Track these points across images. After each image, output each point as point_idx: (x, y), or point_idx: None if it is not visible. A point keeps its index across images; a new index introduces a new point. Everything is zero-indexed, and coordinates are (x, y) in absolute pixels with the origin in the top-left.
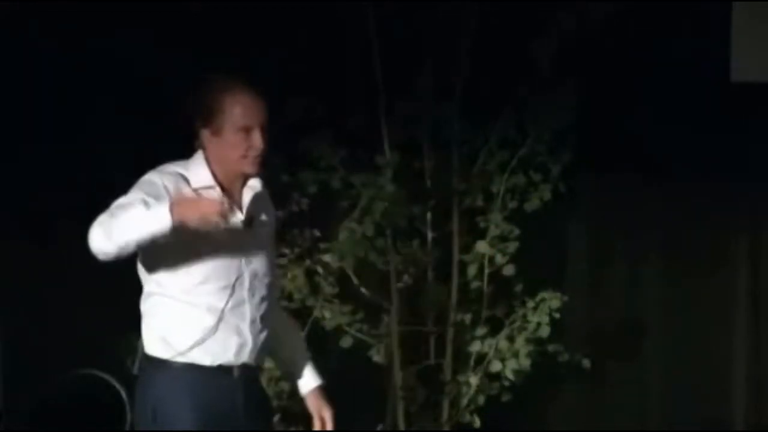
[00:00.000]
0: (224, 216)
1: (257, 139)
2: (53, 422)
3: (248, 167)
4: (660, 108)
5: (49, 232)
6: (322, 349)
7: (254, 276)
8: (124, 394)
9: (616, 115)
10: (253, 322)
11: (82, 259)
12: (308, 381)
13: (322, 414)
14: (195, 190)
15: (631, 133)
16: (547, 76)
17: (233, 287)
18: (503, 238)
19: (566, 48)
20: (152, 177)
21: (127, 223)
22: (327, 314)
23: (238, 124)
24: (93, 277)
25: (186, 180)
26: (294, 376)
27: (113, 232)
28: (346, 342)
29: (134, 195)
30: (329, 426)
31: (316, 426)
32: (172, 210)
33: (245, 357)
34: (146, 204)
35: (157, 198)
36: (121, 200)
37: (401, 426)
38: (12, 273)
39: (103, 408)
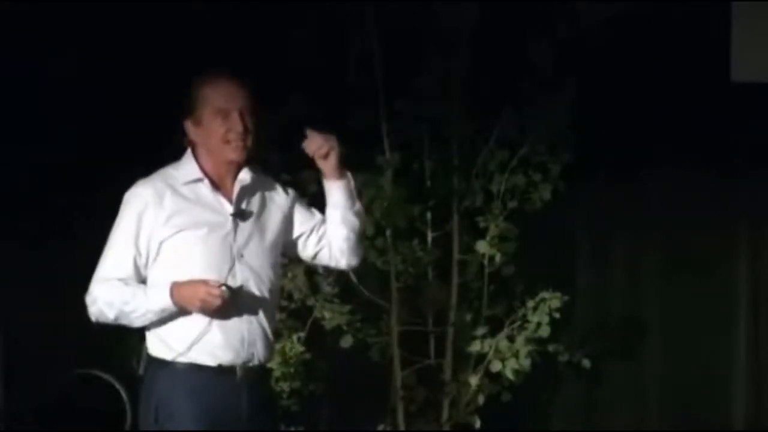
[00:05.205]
0: (224, 302)
1: (235, 123)
2: (53, 422)
3: (231, 153)
4: (660, 108)
5: (49, 232)
6: (322, 349)
7: (248, 269)
8: (124, 394)
9: (615, 115)
10: (249, 315)
11: (81, 259)
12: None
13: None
14: (183, 185)
15: (631, 132)
16: (547, 76)
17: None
18: (503, 238)
19: (566, 48)
20: (137, 191)
21: (133, 318)
22: (327, 314)
23: (215, 107)
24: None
25: (175, 178)
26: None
27: (121, 321)
28: (346, 342)
29: (117, 246)
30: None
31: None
32: (172, 294)
33: (245, 353)
34: (145, 293)
35: (141, 226)
36: (108, 254)
37: (401, 426)
38: (12, 273)
39: (103, 408)
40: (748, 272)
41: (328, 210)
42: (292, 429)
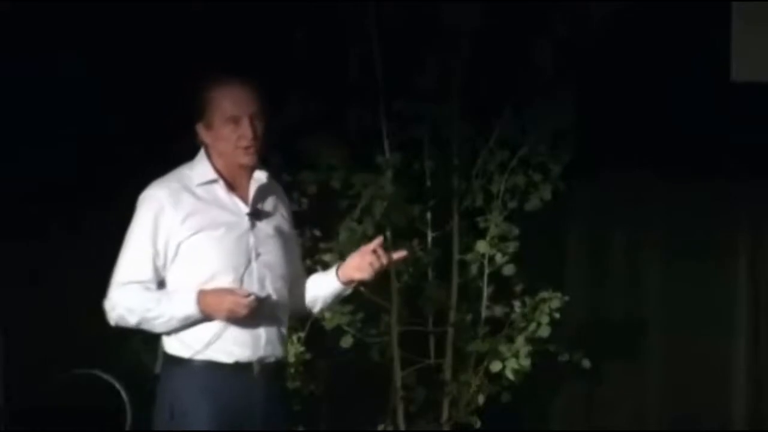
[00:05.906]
0: (252, 310)
1: (246, 129)
2: (53, 422)
3: (242, 158)
4: (660, 108)
5: (50, 232)
6: (322, 349)
7: (264, 268)
8: (124, 394)
9: (615, 115)
10: (265, 314)
11: (82, 259)
12: (329, 274)
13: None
14: (198, 186)
15: (630, 132)
16: (547, 76)
17: (241, 281)
18: (503, 238)
19: (566, 48)
20: (151, 192)
21: (156, 324)
22: (327, 314)
23: (226, 115)
24: (93, 277)
25: (189, 179)
26: (324, 292)
27: (142, 327)
28: (346, 342)
29: (135, 249)
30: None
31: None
32: (198, 302)
33: (262, 350)
34: (169, 299)
35: (158, 227)
36: (125, 257)
37: (401, 426)
38: (12, 273)
39: (103, 408)
40: (748, 272)
41: (313, 291)
42: (292, 429)
